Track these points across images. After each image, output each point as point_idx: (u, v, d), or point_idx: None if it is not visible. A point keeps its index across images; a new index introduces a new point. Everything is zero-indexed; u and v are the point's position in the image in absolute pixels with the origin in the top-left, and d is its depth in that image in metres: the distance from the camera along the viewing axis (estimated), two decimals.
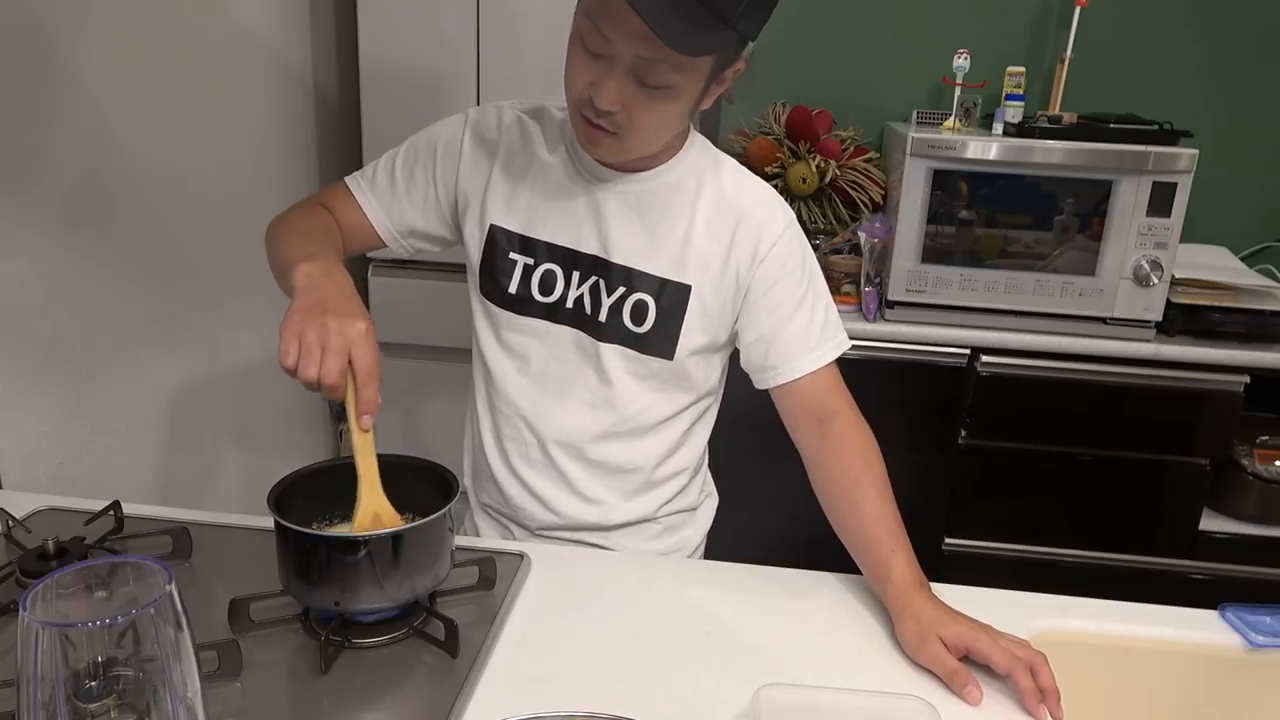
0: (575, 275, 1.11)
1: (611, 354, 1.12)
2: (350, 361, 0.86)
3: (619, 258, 1.10)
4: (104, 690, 0.59)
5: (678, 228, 1.10)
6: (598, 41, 0.95)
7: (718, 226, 1.10)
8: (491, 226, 1.13)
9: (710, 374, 1.18)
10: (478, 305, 1.17)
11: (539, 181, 1.12)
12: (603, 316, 1.11)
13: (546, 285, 1.12)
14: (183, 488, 1.74)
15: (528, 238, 1.12)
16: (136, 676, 0.59)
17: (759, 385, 1.15)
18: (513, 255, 1.13)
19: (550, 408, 1.15)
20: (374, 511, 0.91)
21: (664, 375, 1.13)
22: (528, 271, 1.12)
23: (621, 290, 1.10)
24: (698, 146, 1.13)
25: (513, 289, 1.13)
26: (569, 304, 1.12)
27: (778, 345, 1.11)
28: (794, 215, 1.14)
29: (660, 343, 1.11)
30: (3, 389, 1.29)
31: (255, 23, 1.90)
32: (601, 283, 1.11)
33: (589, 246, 1.11)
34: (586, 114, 1.00)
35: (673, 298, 1.10)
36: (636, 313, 1.10)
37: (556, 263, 1.11)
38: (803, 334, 1.11)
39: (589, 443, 1.15)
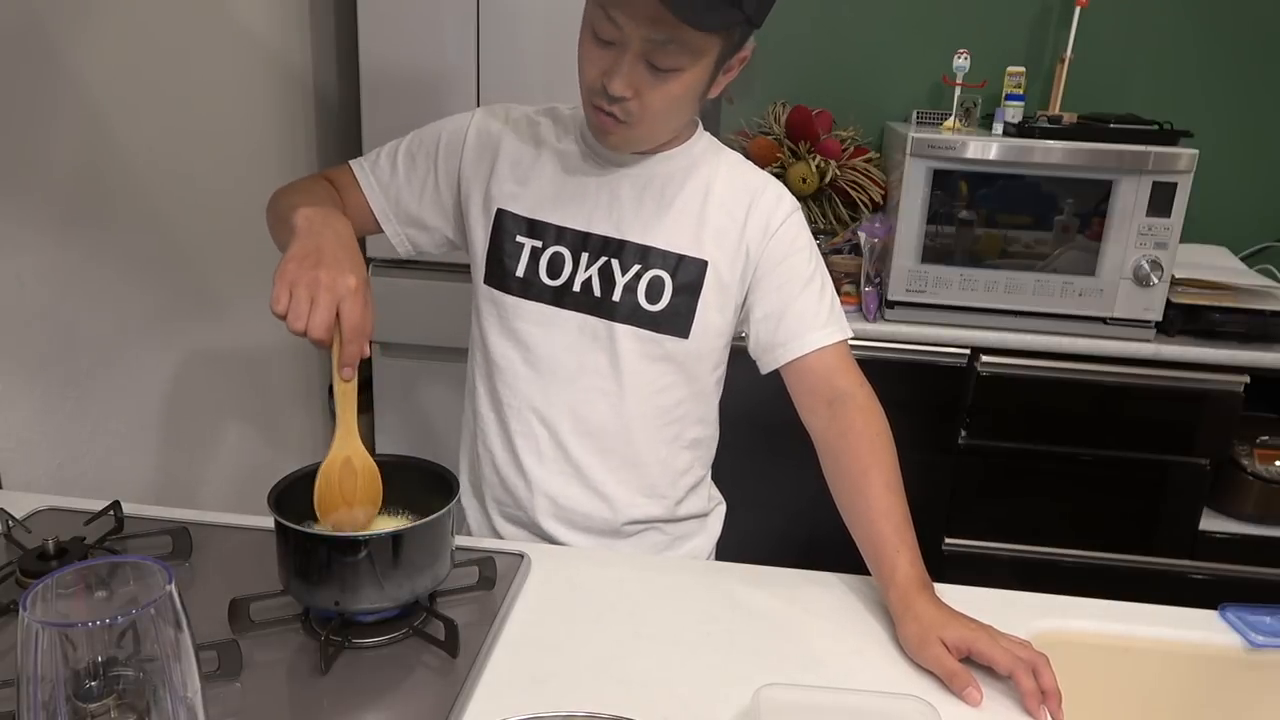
0: (584, 257, 1.11)
1: (624, 335, 1.12)
2: (339, 316, 0.88)
3: (633, 235, 1.11)
4: (104, 690, 0.59)
5: (692, 205, 1.12)
6: (608, 28, 0.97)
7: (731, 205, 1.12)
8: (499, 211, 1.14)
9: (717, 364, 1.18)
10: (483, 299, 1.17)
11: (549, 168, 1.14)
12: (616, 296, 1.11)
13: (554, 268, 1.12)
14: (183, 487, 1.74)
15: (535, 220, 1.13)
16: (136, 676, 0.59)
17: (767, 368, 1.15)
18: (520, 238, 1.13)
19: (562, 396, 1.14)
20: (345, 455, 0.92)
21: (677, 357, 1.13)
22: (535, 254, 1.12)
23: (636, 268, 1.11)
24: (705, 138, 1.16)
25: (520, 272, 1.13)
26: (576, 287, 1.12)
27: (786, 321, 1.12)
28: (798, 204, 1.17)
29: (675, 321, 1.11)
30: (3, 389, 1.29)
31: (255, 23, 1.90)
32: (614, 262, 1.11)
33: (600, 228, 1.11)
34: (599, 103, 1.02)
35: (689, 273, 1.11)
36: (652, 290, 1.11)
37: (565, 245, 1.12)
38: (812, 310, 1.12)
39: (603, 431, 1.15)
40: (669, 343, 1.12)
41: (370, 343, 0.90)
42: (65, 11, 1.37)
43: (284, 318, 0.87)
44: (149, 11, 1.56)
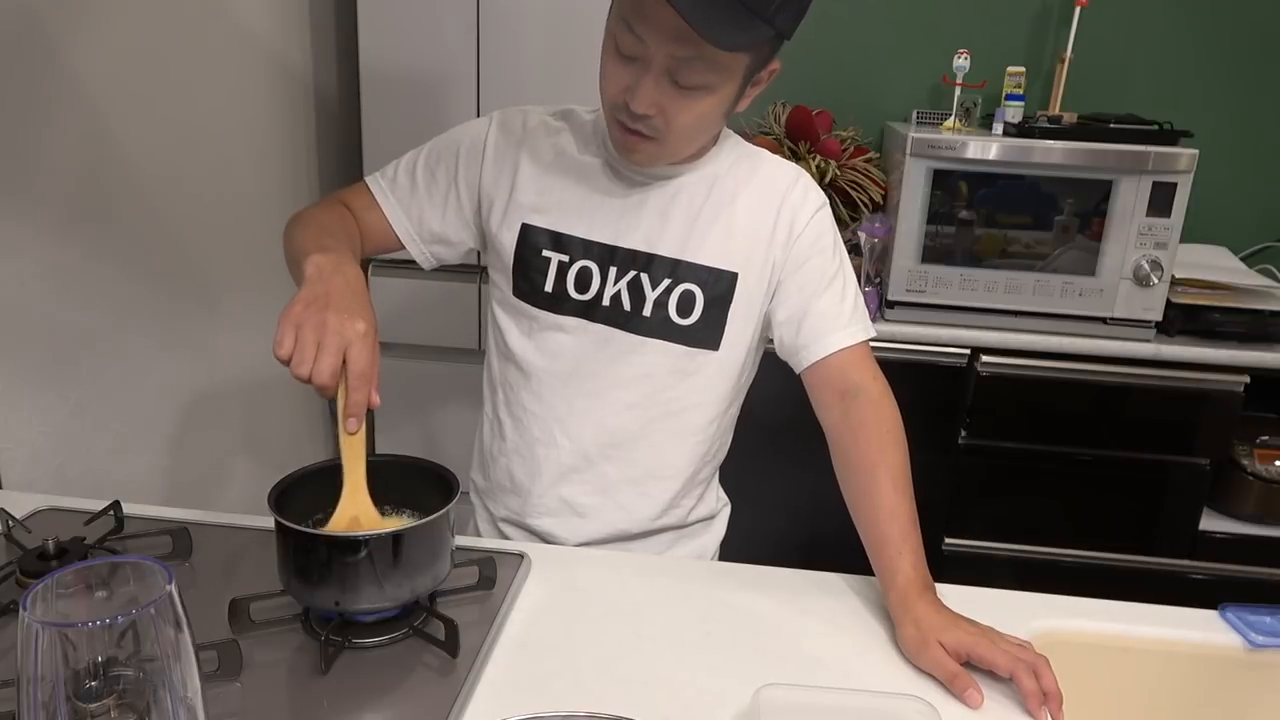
0: (612, 271, 1.10)
1: (655, 350, 1.11)
2: (345, 362, 0.85)
3: (664, 250, 1.10)
4: (104, 690, 0.59)
5: (721, 216, 1.10)
6: (631, 43, 0.95)
7: (760, 213, 1.11)
8: (523, 225, 1.12)
9: (746, 372, 1.18)
10: (509, 308, 1.16)
11: (571, 180, 1.12)
12: (646, 311, 1.10)
13: (583, 282, 1.11)
14: (183, 487, 1.74)
15: (561, 234, 1.11)
16: (136, 676, 0.59)
17: (796, 369, 1.13)
18: (546, 253, 1.11)
19: (588, 408, 1.13)
20: (353, 514, 0.90)
21: (707, 370, 1.13)
22: (563, 269, 1.11)
23: (667, 283, 1.10)
24: (730, 140, 1.14)
25: (548, 287, 1.12)
26: (605, 301, 1.11)
27: (808, 322, 1.11)
28: (826, 199, 1.15)
29: (706, 334, 1.11)
30: (3, 389, 1.29)
31: (255, 23, 1.90)
32: (644, 277, 1.10)
33: (630, 241, 1.10)
34: (622, 119, 1.00)
35: (720, 286, 1.10)
36: (683, 304, 1.10)
37: (592, 259, 1.11)
38: (833, 311, 1.11)
39: (630, 444, 1.14)
40: (700, 356, 1.11)
41: (377, 391, 0.86)
42: (65, 11, 1.37)
43: (287, 362, 0.83)
44: (148, 11, 1.55)
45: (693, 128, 1.02)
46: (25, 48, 1.30)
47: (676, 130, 1.00)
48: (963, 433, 2.09)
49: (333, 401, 0.85)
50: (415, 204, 1.16)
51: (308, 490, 0.94)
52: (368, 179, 1.18)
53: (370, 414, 0.86)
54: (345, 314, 0.86)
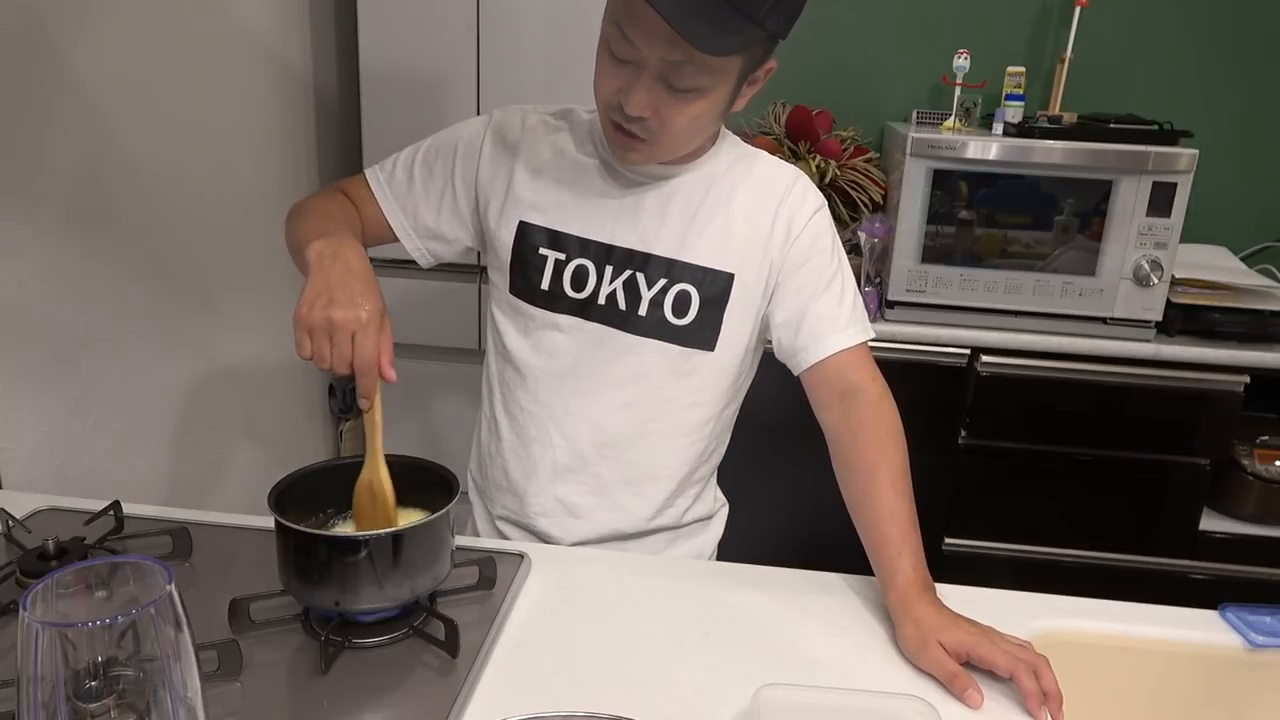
0: (608, 270, 1.10)
1: (650, 349, 1.11)
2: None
3: (660, 249, 1.10)
4: (104, 690, 0.59)
5: (718, 217, 1.10)
6: (624, 47, 0.96)
7: (757, 214, 1.11)
8: (521, 223, 1.13)
9: (743, 372, 1.17)
10: (504, 308, 1.16)
11: (569, 179, 1.12)
12: (642, 310, 1.10)
13: (579, 281, 1.11)
14: (184, 487, 1.74)
15: (558, 233, 1.11)
16: (136, 676, 0.59)
17: (795, 371, 1.13)
18: (543, 250, 1.12)
19: (584, 408, 1.13)
20: (369, 480, 0.94)
21: (702, 370, 1.13)
22: (559, 266, 1.11)
23: (663, 282, 1.10)
24: (729, 141, 1.14)
25: (545, 285, 1.12)
26: (601, 300, 1.11)
27: (806, 324, 1.11)
28: (824, 201, 1.14)
29: (702, 334, 1.11)
30: (3, 389, 1.29)
31: (255, 23, 1.90)
32: (640, 276, 1.10)
33: (625, 240, 1.10)
34: (616, 120, 1.01)
35: (716, 287, 1.10)
36: (678, 305, 1.10)
37: (589, 258, 1.11)
38: (831, 313, 1.11)
39: (626, 444, 1.14)
40: (696, 356, 1.11)
41: (391, 366, 0.91)
42: (65, 11, 1.37)
43: (310, 358, 0.89)
44: (149, 11, 1.56)
45: (687, 129, 1.02)
46: (25, 48, 1.30)
47: (671, 132, 1.01)
48: (963, 433, 2.09)
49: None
50: (411, 199, 1.17)
51: (307, 490, 0.94)
52: (366, 171, 1.19)
53: (383, 387, 0.92)
54: (348, 306, 0.89)
